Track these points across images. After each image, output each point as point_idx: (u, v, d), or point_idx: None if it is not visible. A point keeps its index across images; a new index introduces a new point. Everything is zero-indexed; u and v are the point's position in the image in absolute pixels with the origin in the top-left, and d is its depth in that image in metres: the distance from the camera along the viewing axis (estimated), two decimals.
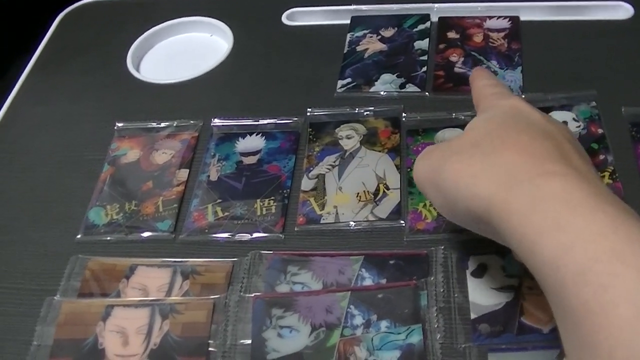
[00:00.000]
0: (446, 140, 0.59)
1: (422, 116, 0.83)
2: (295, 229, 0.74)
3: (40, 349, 0.67)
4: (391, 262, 0.69)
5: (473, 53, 0.90)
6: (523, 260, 0.47)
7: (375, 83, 0.88)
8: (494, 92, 0.60)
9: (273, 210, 0.76)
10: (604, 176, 0.73)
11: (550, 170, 0.47)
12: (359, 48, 0.94)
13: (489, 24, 0.94)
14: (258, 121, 0.86)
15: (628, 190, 0.72)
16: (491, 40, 0.91)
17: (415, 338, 0.63)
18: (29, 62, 1.02)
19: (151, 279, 0.71)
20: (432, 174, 0.57)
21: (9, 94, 0.97)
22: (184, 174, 0.81)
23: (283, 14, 1.02)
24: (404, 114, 0.83)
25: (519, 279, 0.66)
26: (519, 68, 0.87)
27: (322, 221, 0.74)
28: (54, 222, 0.80)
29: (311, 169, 0.79)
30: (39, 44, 1.05)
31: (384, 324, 0.64)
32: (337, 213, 0.75)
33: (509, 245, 0.49)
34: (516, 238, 0.46)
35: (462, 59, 0.90)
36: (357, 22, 0.98)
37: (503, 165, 0.50)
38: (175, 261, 0.73)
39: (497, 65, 0.88)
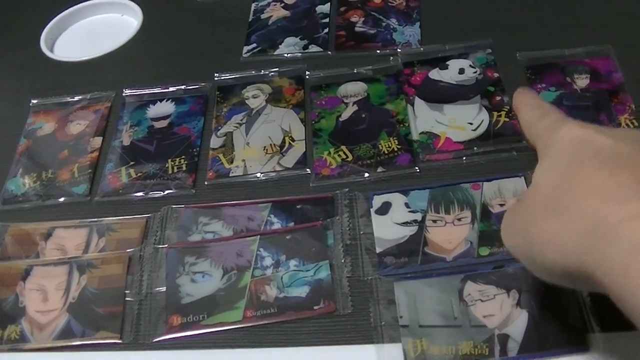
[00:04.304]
0: (520, 201, 0.53)
1: (325, 73, 0.86)
2: (206, 184, 0.77)
3: None
4: (298, 206, 0.73)
5: (373, 13, 0.94)
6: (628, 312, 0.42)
7: (280, 46, 0.92)
8: (545, 124, 0.54)
9: (184, 168, 0.79)
10: (500, 115, 0.77)
11: (632, 212, 0.42)
12: (263, 16, 0.97)
13: None
14: (168, 88, 0.89)
15: None
16: (390, 0, 0.95)
17: (323, 273, 0.66)
18: None
19: (69, 239, 0.74)
20: (519, 242, 0.52)
21: None
22: (98, 141, 0.84)
23: None
24: (307, 72, 0.87)
25: (423, 214, 0.70)
26: (418, 23, 0.91)
27: (231, 174, 0.77)
28: None
29: (219, 128, 0.82)
30: None
31: (292, 263, 0.68)
32: (245, 166, 0.78)
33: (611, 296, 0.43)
34: (619, 294, 0.42)
35: (362, 19, 0.93)
36: None
37: (582, 219, 0.44)
38: (91, 221, 0.75)
39: (396, 22, 0.92)
